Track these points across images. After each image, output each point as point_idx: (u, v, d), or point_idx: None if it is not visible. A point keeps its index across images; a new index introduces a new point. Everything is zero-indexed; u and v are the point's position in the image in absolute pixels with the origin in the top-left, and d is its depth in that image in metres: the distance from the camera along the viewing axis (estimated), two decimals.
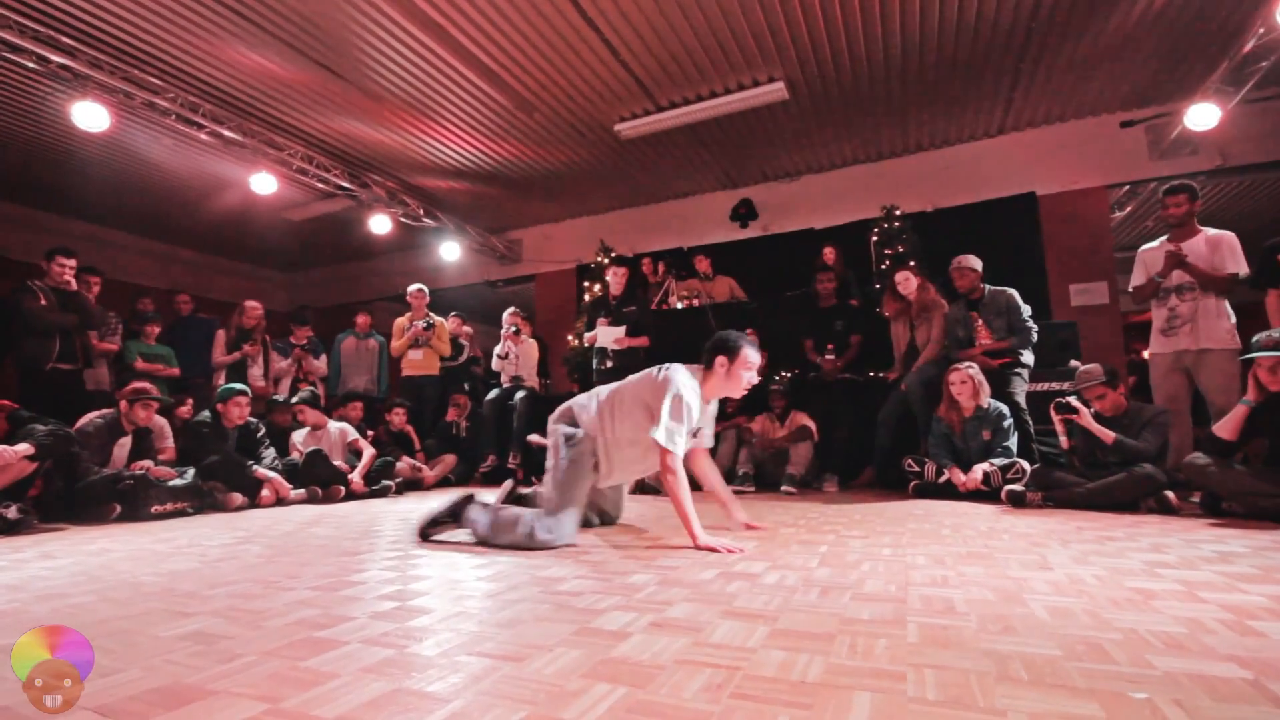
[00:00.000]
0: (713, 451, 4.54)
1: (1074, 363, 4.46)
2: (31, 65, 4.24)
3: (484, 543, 2.27)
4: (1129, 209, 7.38)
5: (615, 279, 5.16)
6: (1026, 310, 4.01)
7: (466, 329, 6.57)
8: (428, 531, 2.44)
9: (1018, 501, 3.16)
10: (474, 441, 5.77)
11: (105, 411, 3.83)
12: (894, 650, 1.07)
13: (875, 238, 5.78)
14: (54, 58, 4.22)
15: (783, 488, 4.14)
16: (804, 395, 4.77)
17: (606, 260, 6.46)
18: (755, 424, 4.66)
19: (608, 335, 4.96)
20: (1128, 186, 6.45)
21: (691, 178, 7.15)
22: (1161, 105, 5.61)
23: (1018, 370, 3.95)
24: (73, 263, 4.45)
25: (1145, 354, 4.26)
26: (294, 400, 5.03)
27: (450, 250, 7.74)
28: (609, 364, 4.95)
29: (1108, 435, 3.13)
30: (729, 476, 4.39)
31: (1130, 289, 3.94)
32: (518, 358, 5.74)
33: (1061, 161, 6.05)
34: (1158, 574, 1.63)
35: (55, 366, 4.32)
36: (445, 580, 1.72)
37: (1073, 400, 3.29)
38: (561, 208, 7.98)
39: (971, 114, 5.88)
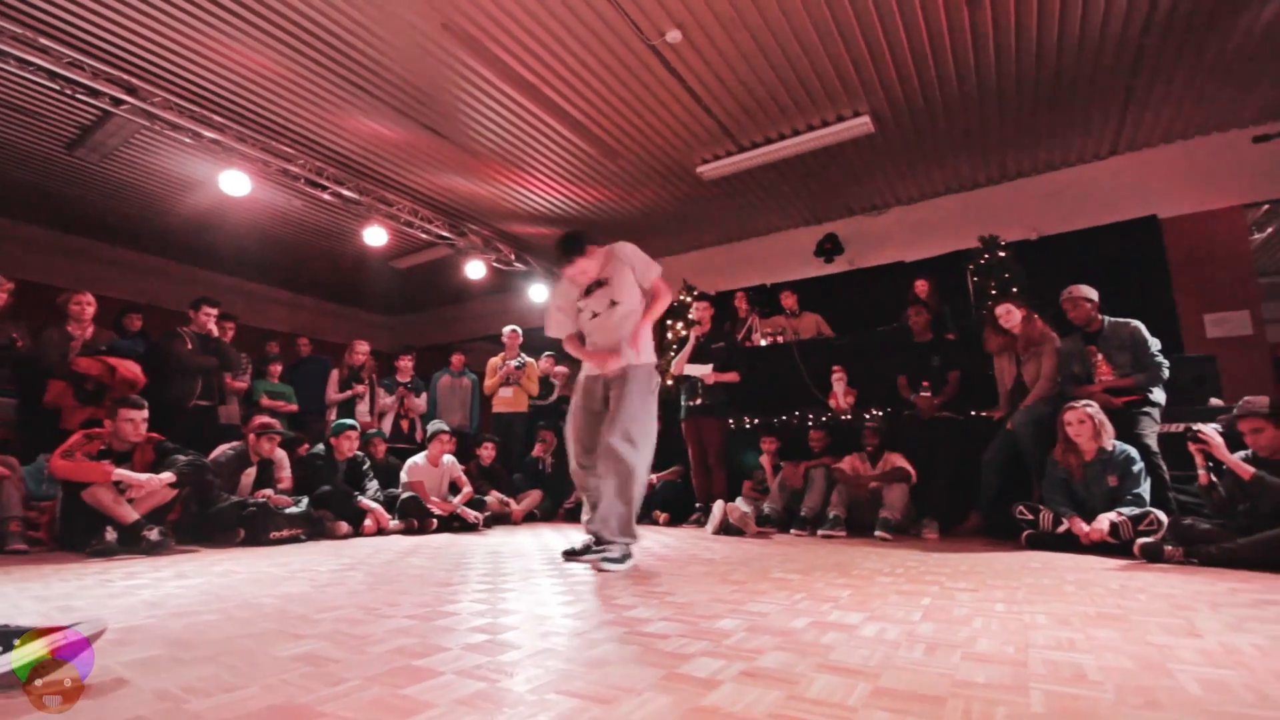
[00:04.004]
0: (800, 493, 4.46)
1: (1214, 400, 3.99)
2: (187, 140, 4.90)
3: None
4: (1270, 230, 6.64)
5: (701, 315, 5.14)
6: (1155, 344, 3.63)
7: (560, 369, 6.72)
8: (571, 555, 2.99)
9: (1154, 557, 2.82)
10: (559, 477, 5.87)
11: (235, 444, 4.22)
12: None
13: (972, 269, 5.48)
14: (206, 133, 4.85)
15: (876, 532, 3.91)
16: (899, 435, 4.52)
17: (689, 299, 6.50)
18: (844, 464, 4.45)
19: (696, 369, 4.94)
20: (1267, 206, 5.82)
21: (774, 215, 7.14)
22: None
23: (1146, 410, 3.56)
24: (216, 311, 5.00)
25: None
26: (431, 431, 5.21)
27: (539, 292, 8.08)
28: (699, 400, 4.92)
29: (1245, 470, 2.75)
30: (819, 519, 4.21)
31: None
32: None
33: (1186, 181, 5.56)
34: None
35: (196, 403, 4.82)
36: (533, 616, 1.73)
37: (1203, 429, 2.92)
38: (644, 249, 8.07)
39: (1079, 136, 5.54)
